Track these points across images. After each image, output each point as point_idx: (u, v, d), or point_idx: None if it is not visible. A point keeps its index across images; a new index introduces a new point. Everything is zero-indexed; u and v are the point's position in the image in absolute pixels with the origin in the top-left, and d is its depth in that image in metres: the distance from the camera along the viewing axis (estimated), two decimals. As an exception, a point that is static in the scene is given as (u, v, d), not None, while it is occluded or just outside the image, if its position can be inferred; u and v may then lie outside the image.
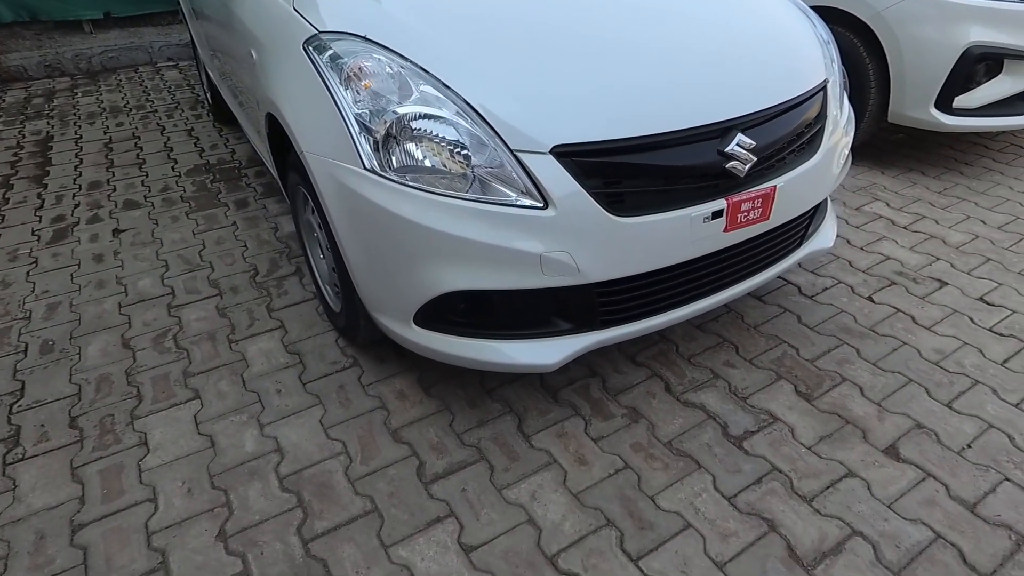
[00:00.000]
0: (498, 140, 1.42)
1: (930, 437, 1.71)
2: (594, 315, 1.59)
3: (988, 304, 2.23)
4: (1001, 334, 2.09)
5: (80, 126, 3.95)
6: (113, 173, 3.31)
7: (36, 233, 2.77)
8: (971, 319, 2.16)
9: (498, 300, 1.53)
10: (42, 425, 1.79)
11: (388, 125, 1.45)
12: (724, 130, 1.55)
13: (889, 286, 2.33)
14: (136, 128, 3.90)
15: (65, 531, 1.50)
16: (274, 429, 1.77)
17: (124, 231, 2.76)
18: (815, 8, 3.09)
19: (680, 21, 1.74)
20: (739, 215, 1.60)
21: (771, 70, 1.71)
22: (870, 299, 2.26)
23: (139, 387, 1.92)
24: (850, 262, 2.47)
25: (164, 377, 1.96)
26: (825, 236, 2.01)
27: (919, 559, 1.42)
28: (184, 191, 3.11)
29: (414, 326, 1.60)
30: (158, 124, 3.97)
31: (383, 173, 1.46)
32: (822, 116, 1.80)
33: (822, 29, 2.03)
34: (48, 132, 3.87)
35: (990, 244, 2.58)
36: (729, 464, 1.64)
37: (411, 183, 1.44)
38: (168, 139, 3.74)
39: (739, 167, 1.55)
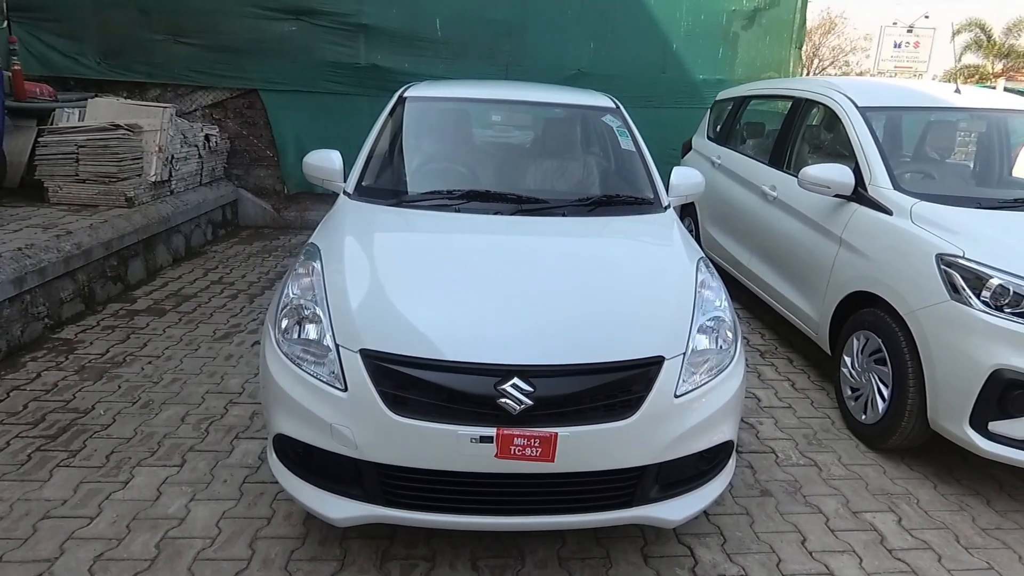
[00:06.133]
0: (330, 333, 2.00)
1: None
2: (377, 491, 1.95)
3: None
4: None
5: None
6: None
7: None
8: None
9: (312, 453, 2.01)
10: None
11: None
12: (505, 372, 1.88)
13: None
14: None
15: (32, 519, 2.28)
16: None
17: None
18: (857, 293, 3.03)
19: (551, 272, 2.26)
20: (511, 447, 1.86)
21: (589, 332, 2.00)
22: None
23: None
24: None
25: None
26: (670, 509, 2.03)
27: None
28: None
29: (273, 455, 2.15)
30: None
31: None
32: (645, 387, 1.94)
33: (708, 314, 2.16)
34: None
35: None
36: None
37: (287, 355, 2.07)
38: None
39: (511, 406, 1.85)
